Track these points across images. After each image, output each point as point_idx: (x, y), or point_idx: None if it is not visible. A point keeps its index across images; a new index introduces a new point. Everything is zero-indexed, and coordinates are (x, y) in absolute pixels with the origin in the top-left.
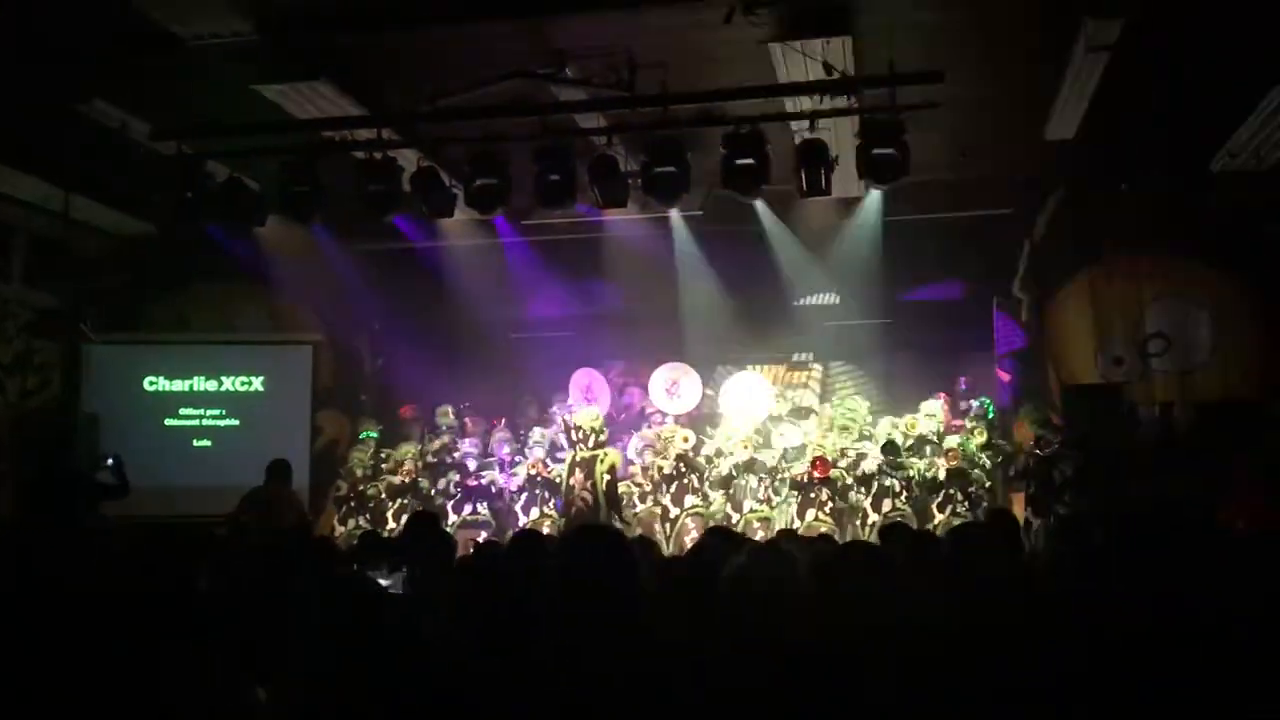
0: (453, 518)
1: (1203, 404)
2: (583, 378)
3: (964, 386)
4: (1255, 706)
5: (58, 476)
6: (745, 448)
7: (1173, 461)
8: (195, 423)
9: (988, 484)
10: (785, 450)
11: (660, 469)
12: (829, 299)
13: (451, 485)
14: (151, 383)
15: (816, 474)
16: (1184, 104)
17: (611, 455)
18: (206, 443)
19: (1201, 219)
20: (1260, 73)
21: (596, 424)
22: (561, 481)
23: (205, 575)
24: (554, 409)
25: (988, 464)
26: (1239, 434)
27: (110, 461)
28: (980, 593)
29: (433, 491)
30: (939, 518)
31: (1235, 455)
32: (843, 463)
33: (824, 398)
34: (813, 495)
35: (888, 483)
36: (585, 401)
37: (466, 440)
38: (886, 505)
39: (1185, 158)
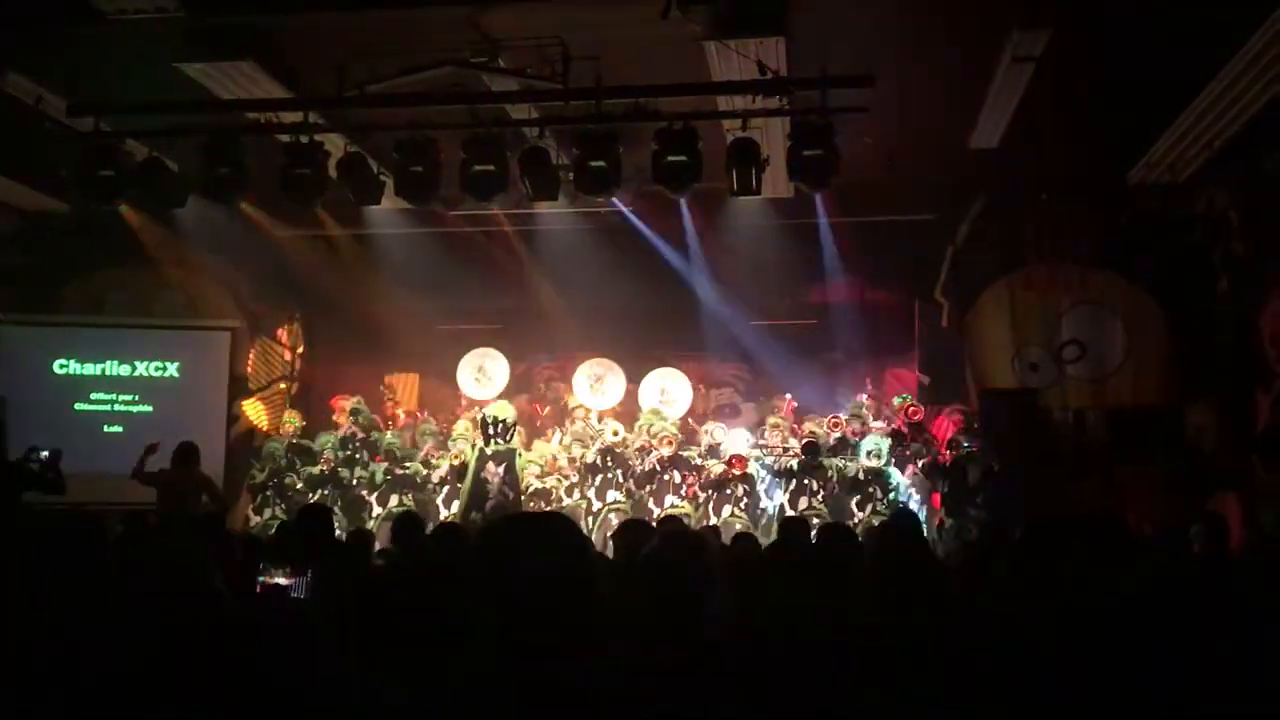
0: (378, 510)
1: (1114, 410)
2: (475, 359)
3: (881, 389)
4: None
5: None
6: (669, 444)
7: (1085, 466)
8: (106, 408)
9: (908, 483)
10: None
11: (583, 459)
12: (755, 297)
13: (377, 475)
14: (62, 365)
15: (734, 470)
16: (1105, 116)
17: (529, 451)
18: (118, 429)
19: (1117, 230)
20: (1179, 88)
21: (511, 417)
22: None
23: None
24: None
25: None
26: (1148, 440)
27: (44, 455)
28: (894, 585)
29: (354, 482)
30: (858, 516)
31: (1144, 460)
32: (769, 460)
33: (748, 396)
34: (729, 491)
35: (805, 481)
36: (475, 384)
37: (389, 432)
38: (803, 504)
39: (1104, 169)
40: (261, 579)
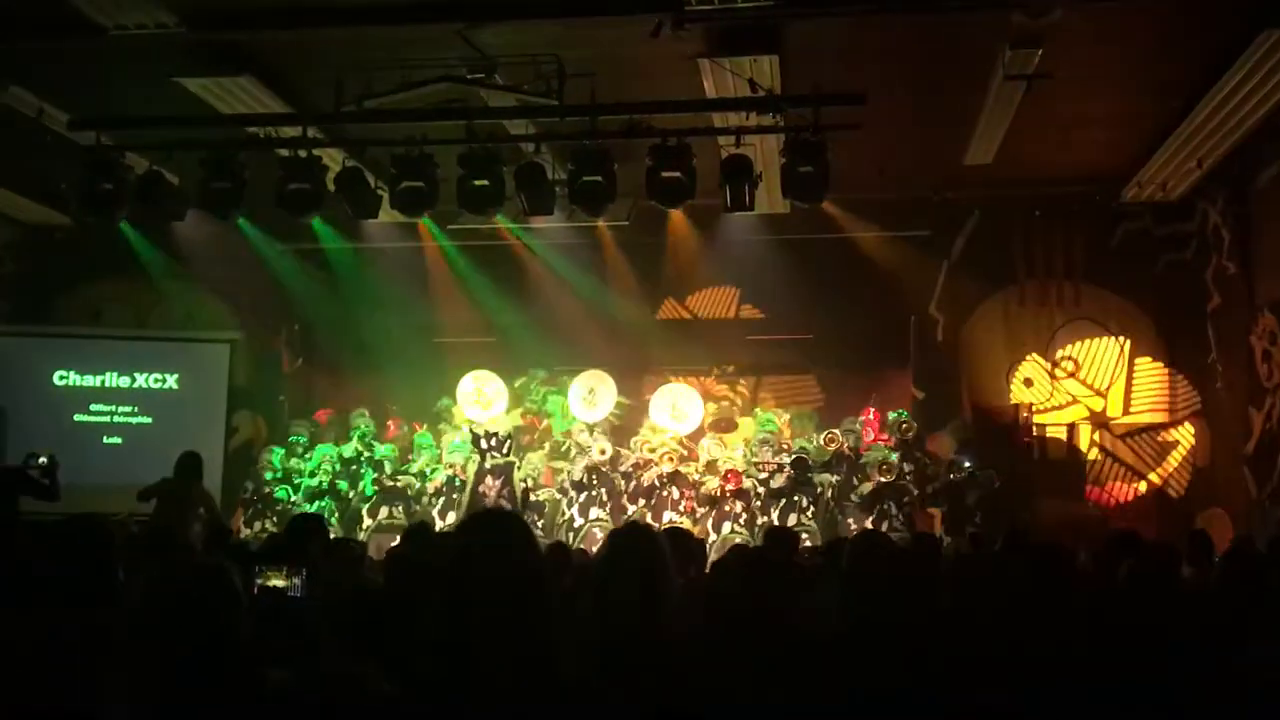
0: (368, 521)
1: (1107, 426)
2: (474, 381)
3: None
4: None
5: None
6: (670, 460)
7: (1077, 482)
8: (106, 419)
9: (916, 493)
10: (709, 463)
11: (569, 475)
12: (753, 314)
13: (368, 488)
14: (61, 377)
15: (729, 486)
16: (1097, 134)
17: (525, 463)
18: (117, 440)
19: (1110, 247)
20: (1170, 107)
21: (505, 429)
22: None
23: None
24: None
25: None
26: (1141, 456)
27: (42, 461)
28: (868, 594)
29: (350, 495)
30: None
31: (1136, 477)
32: (762, 475)
33: (746, 411)
34: (726, 508)
35: (795, 497)
36: (476, 406)
37: (383, 445)
38: (792, 520)
39: (1097, 186)
40: (259, 582)
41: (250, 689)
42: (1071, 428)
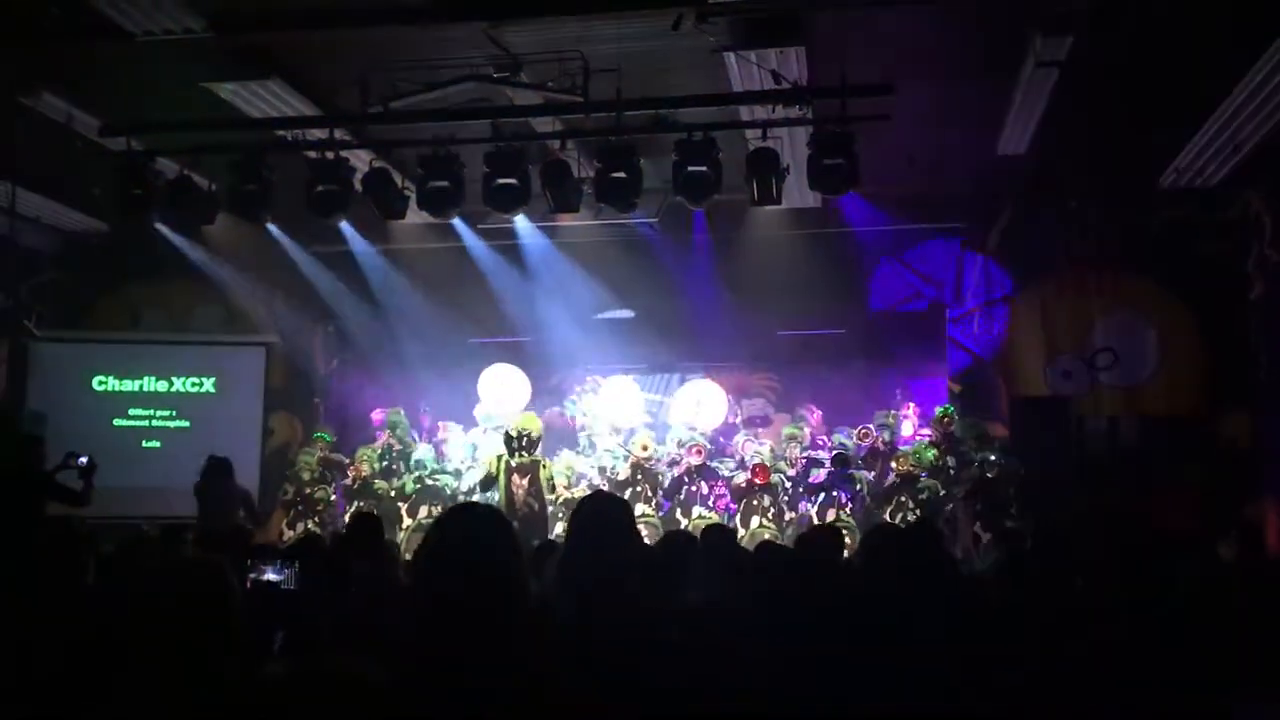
0: (408, 521)
1: (1148, 418)
2: (495, 374)
3: (908, 396)
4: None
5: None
6: (698, 454)
7: (1118, 474)
8: (145, 423)
9: (942, 491)
10: (741, 458)
11: (616, 474)
12: (784, 308)
13: (408, 486)
14: (101, 382)
15: (757, 481)
16: (1133, 120)
17: (549, 464)
18: (156, 444)
19: (1148, 235)
20: (1206, 91)
21: (536, 429)
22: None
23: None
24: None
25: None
26: (1182, 447)
27: (83, 461)
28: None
29: (391, 494)
30: None
31: (1178, 469)
32: (790, 471)
33: (780, 406)
34: (755, 502)
35: (835, 492)
36: (497, 399)
37: (420, 444)
38: (831, 515)
39: (1134, 174)
40: (252, 575)
41: (245, 683)
42: (1112, 420)
